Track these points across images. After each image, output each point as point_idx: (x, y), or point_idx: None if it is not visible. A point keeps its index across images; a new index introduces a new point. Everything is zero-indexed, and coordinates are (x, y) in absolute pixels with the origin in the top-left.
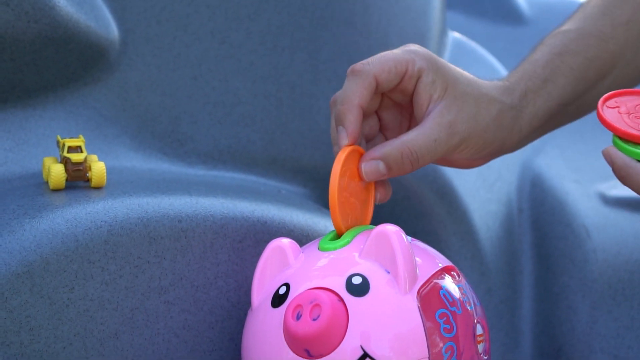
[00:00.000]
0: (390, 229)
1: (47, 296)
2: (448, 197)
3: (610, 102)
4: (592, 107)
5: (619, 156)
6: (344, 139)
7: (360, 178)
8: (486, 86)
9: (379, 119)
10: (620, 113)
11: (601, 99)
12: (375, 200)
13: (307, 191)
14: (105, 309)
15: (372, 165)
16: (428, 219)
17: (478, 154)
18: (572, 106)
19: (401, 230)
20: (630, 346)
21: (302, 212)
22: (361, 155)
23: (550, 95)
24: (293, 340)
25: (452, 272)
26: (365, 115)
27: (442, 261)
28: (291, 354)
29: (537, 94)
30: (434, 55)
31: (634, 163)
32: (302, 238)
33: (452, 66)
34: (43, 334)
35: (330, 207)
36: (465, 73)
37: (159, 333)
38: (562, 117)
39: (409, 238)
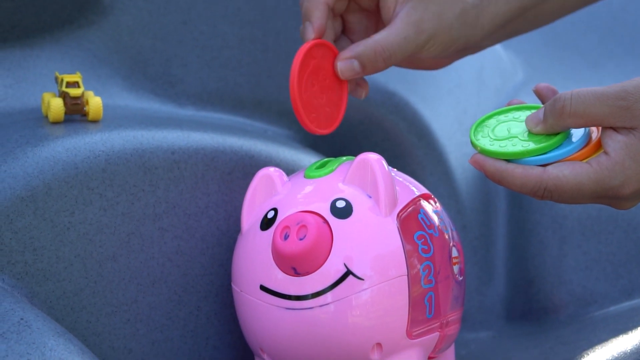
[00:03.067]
0: (372, 157)
1: (49, 219)
2: (426, 139)
3: (316, 51)
4: (551, 16)
5: (489, 162)
6: (310, 34)
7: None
8: None
9: (345, 23)
10: (309, 65)
11: (310, 44)
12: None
13: (291, 133)
14: (103, 233)
15: (347, 63)
16: (407, 160)
17: (444, 52)
18: (532, 12)
19: (382, 158)
20: (597, 277)
21: (288, 148)
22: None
23: None
24: (281, 259)
25: (430, 200)
26: (332, 16)
27: (420, 189)
28: (279, 272)
29: None
30: None
31: (504, 166)
32: (288, 172)
33: None
34: (46, 254)
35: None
36: None
37: (154, 257)
38: (522, 22)
39: (390, 167)
